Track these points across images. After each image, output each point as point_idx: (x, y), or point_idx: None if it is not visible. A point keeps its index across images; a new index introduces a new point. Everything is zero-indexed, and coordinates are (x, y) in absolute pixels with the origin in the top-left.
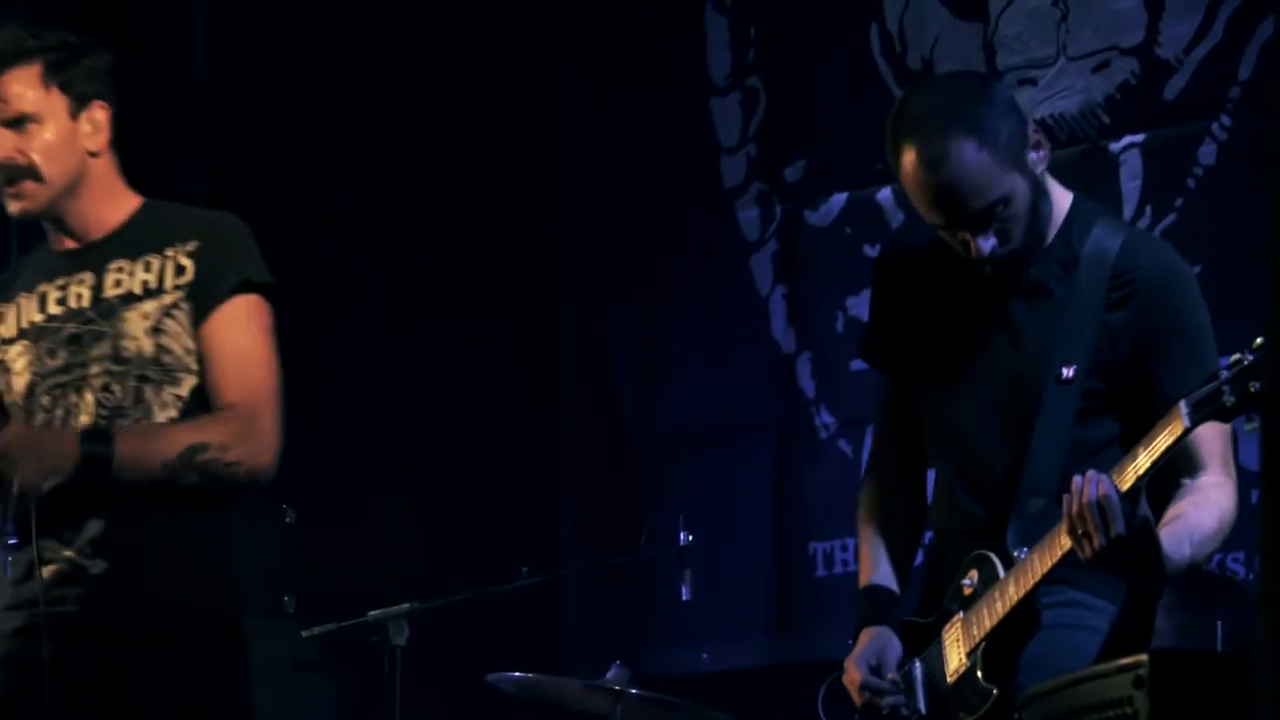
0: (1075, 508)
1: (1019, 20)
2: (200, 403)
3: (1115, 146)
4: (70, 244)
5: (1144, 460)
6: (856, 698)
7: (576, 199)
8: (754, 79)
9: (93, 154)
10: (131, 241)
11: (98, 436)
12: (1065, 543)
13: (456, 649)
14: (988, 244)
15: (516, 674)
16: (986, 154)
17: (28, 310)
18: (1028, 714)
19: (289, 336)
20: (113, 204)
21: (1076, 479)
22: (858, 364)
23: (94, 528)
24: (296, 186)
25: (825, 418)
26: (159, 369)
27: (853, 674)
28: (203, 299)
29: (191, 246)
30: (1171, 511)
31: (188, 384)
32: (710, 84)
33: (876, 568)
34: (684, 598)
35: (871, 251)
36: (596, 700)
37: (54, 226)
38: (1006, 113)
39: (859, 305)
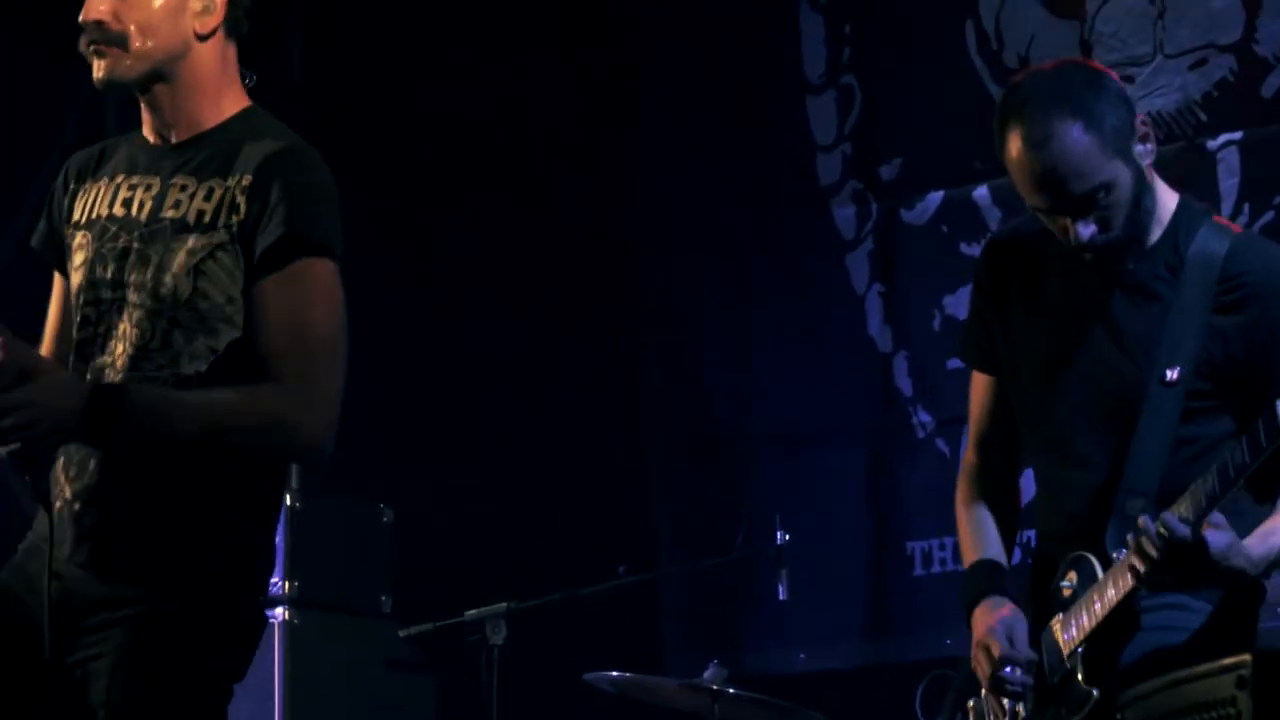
0: (1148, 548)
1: (1116, 18)
2: (238, 359)
3: (1213, 144)
4: (154, 138)
5: (1217, 488)
6: (987, 668)
7: (665, 196)
8: (849, 77)
9: (201, 37)
10: (208, 157)
11: (112, 399)
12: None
13: (554, 648)
14: (1087, 230)
15: (614, 673)
16: (1092, 138)
17: (102, 200)
18: (1130, 714)
19: (392, 340)
20: (211, 103)
21: (1143, 520)
22: (954, 363)
23: (92, 475)
24: (395, 185)
25: (922, 416)
26: (193, 314)
27: (991, 644)
28: (253, 247)
29: (254, 180)
30: (1268, 521)
31: (226, 336)
32: (806, 82)
33: (985, 546)
34: (781, 597)
35: (968, 250)
36: (694, 700)
37: (147, 110)
38: (1115, 101)
39: (955, 304)
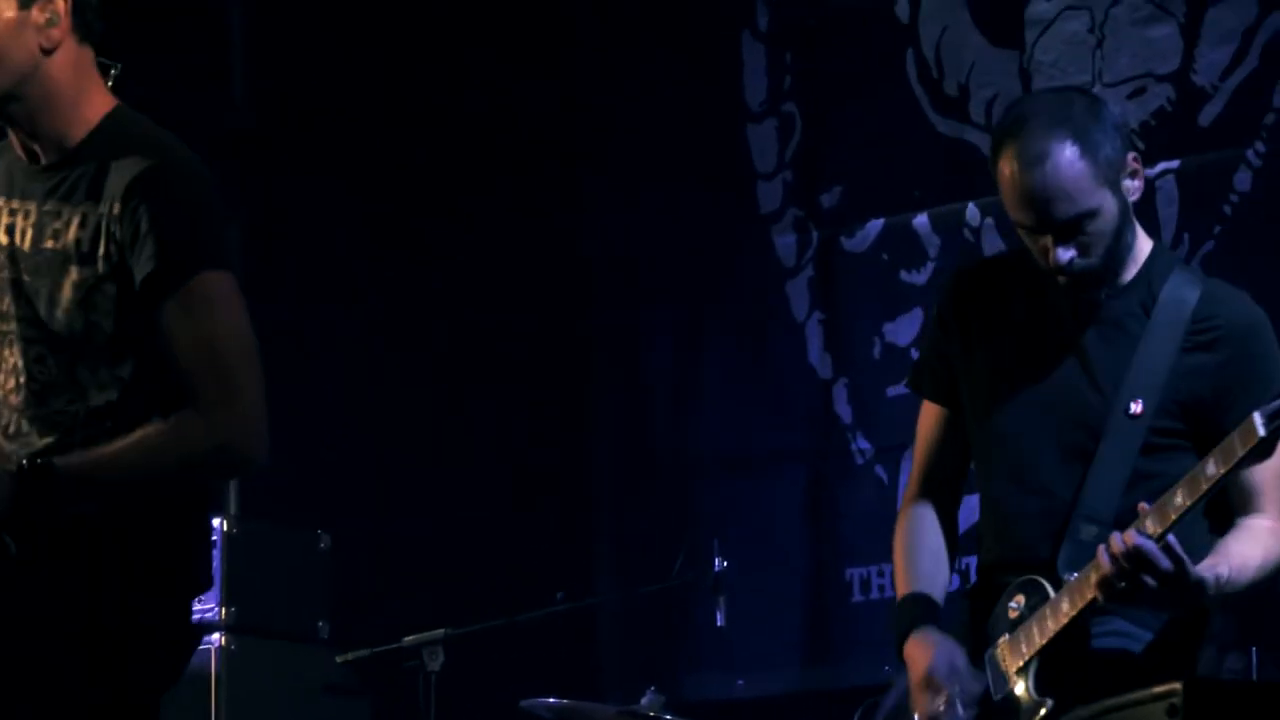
0: (1109, 564)
1: (1055, 47)
2: (149, 382)
3: (1151, 172)
4: (23, 154)
5: (1184, 498)
6: (927, 708)
7: (609, 220)
8: (790, 105)
9: (48, 50)
10: (77, 180)
11: (39, 479)
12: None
13: (491, 674)
14: (1067, 254)
15: (551, 700)
16: (1085, 163)
17: None
18: None
19: (328, 365)
20: (73, 114)
21: (1114, 537)
22: (895, 390)
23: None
24: (332, 204)
25: (861, 443)
26: (91, 347)
27: (936, 685)
28: (132, 278)
29: (122, 209)
30: (1219, 545)
31: (129, 365)
32: (747, 109)
33: (918, 579)
34: (719, 623)
35: (909, 277)
36: None
37: (10, 128)
38: (1112, 133)
39: (895, 331)
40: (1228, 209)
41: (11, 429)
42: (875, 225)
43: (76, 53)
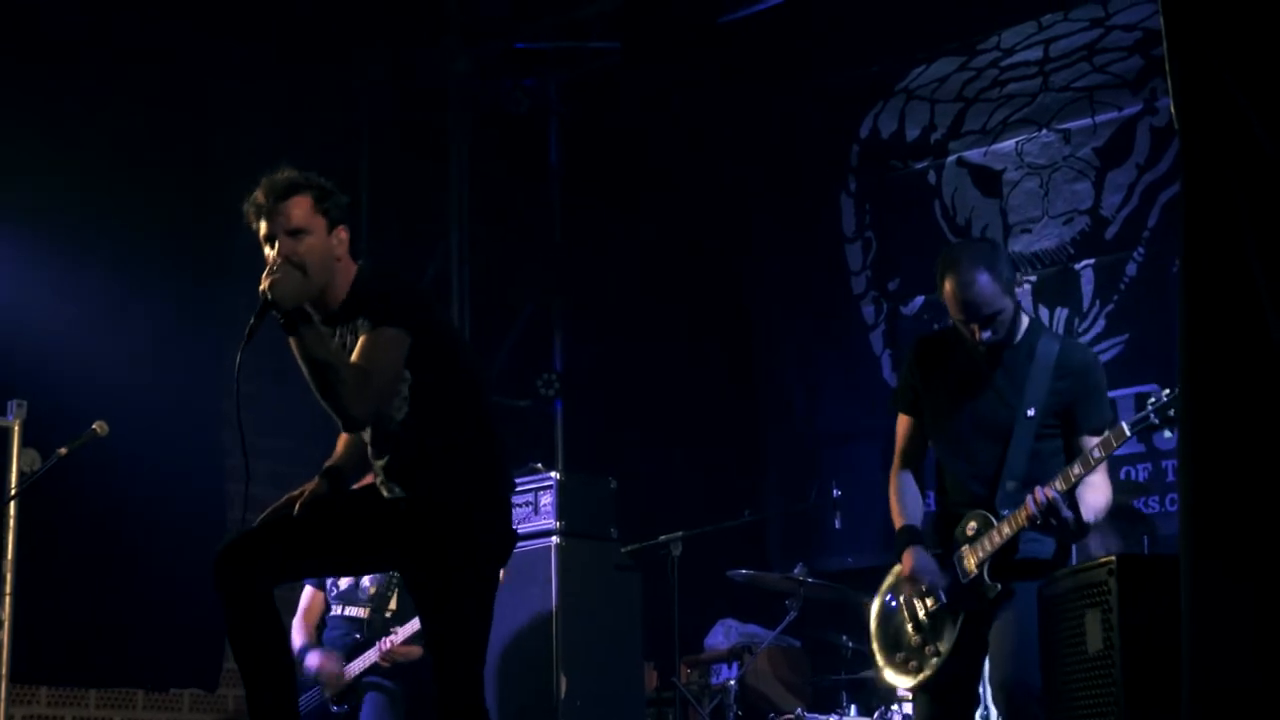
0: (1034, 508)
1: (1020, 196)
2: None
3: (1078, 266)
4: (313, 312)
5: (1079, 469)
6: (915, 581)
7: (766, 295)
8: (870, 233)
9: (338, 259)
10: (342, 316)
11: (304, 313)
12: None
13: (708, 557)
14: (986, 334)
15: (744, 570)
16: (995, 285)
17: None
18: (1047, 590)
19: (607, 367)
20: (339, 291)
21: (1037, 490)
22: None
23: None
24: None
25: None
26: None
27: (921, 569)
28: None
29: (359, 319)
30: (1081, 498)
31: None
32: (845, 236)
33: (908, 515)
34: (836, 526)
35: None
36: (789, 585)
37: (310, 303)
38: (1008, 263)
39: None
40: (1123, 285)
41: None
42: (919, 300)
43: (346, 259)
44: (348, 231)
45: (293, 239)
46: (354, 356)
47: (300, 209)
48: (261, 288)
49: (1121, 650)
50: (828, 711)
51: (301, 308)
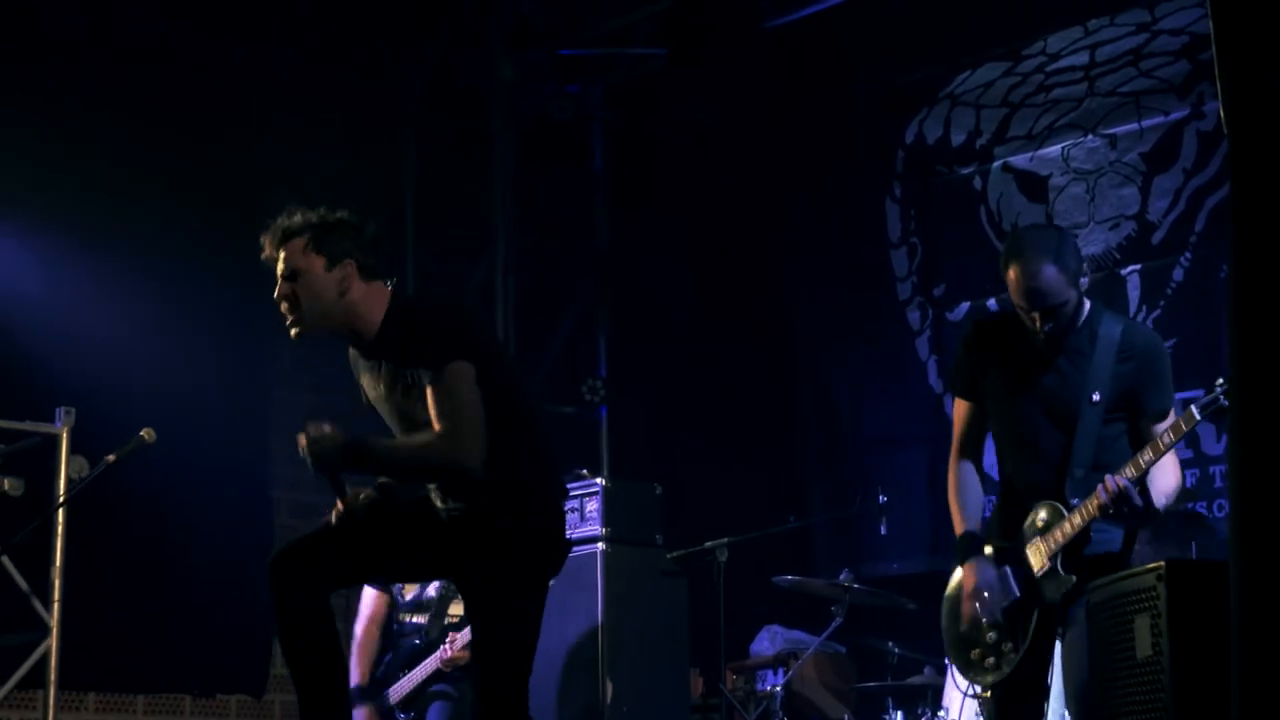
0: (1106, 497)
1: (1066, 201)
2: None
3: (1124, 272)
4: (356, 345)
5: (1150, 455)
6: (971, 607)
7: (811, 301)
8: (915, 238)
9: (346, 292)
10: (381, 346)
11: (355, 449)
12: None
13: (754, 563)
14: (1047, 325)
15: (789, 576)
16: (1061, 276)
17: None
18: (1094, 596)
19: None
20: (368, 321)
21: (1109, 479)
22: None
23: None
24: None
25: None
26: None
27: (983, 585)
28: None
29: (400, 347)
30: (1151, 476)
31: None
32: (890, 242)
33: (969, 519)
34: (882, 532)
35: (999, 310)
36: (835, 591)
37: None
38: (1076, 253)
39: None
40: (1169, 291)
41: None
42: (964, 305)
43: (365, 288)
44: (355, 264)
45: (289, 282)
46: (431, 410)
47: (293, 253)
48: (302, 455)
49: (1170, 656)
50: (873, 718)
51: (350, 452)
